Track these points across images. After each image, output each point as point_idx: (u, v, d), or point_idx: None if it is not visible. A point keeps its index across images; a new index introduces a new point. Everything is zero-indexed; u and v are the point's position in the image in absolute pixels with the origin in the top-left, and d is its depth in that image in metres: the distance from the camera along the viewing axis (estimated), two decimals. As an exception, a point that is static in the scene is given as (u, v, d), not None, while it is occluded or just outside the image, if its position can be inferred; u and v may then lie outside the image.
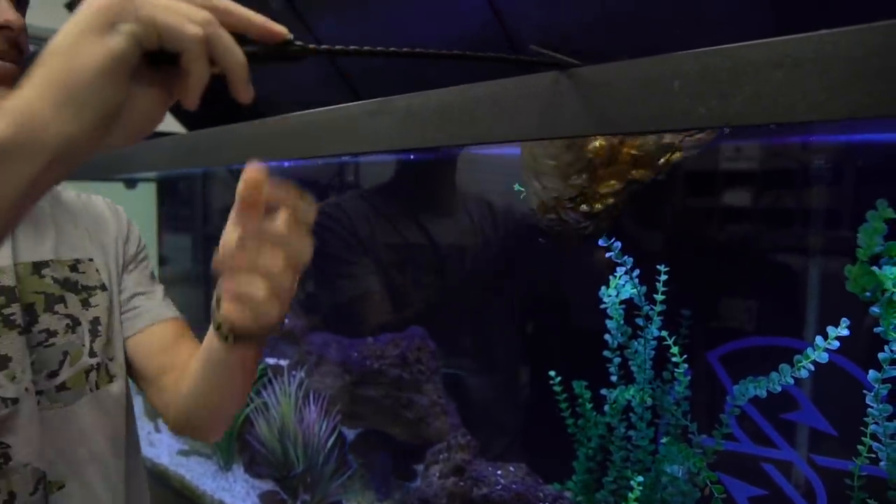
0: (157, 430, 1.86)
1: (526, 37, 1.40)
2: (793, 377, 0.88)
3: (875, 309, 0.76)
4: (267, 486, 1.46)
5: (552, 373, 1.12)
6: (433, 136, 0.90)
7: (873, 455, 0.84)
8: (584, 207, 0.96)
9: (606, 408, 1.08)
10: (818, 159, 1.11)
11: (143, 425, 1.90)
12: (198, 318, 2.41)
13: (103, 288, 0.81)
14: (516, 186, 1.04)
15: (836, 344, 0.82)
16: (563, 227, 1.01)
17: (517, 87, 0.82)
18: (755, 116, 0.62)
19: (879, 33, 0.53)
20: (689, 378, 1.02)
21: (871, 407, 0.82)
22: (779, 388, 0.89)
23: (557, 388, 1.13)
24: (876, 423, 0.82)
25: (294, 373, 1.42)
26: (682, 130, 0.82)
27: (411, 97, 0.93)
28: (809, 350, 0.84)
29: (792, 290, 1.13)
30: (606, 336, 1.05)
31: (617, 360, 1.06)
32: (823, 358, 0.83)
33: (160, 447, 1.74)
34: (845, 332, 0.82)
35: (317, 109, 1.13)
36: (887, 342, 0.78)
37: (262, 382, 1.44)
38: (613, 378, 1.07)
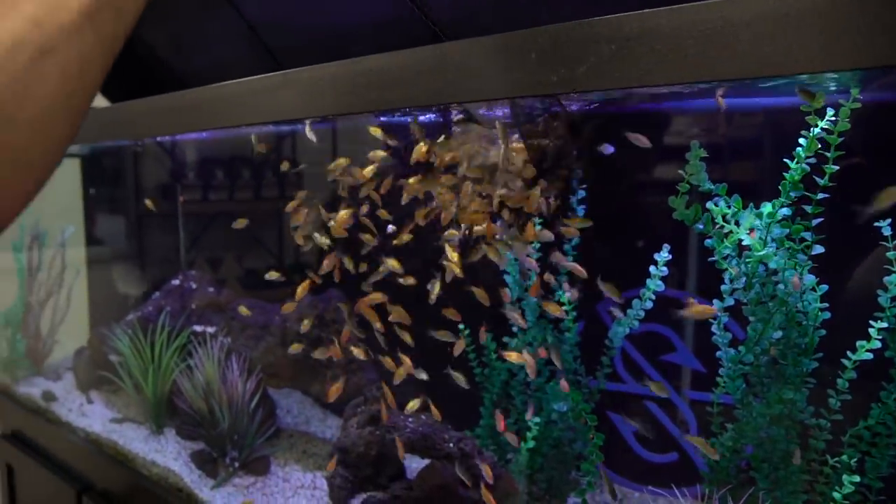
0: (90, 401, 1.88)
1: (438, 13, 1.46)
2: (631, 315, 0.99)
3: (709, 241, 0.87)
4: (198, 446, 1.51)
5: (461, 326, 1.21)
6: (331, 106, 0.97)
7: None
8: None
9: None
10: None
11: (75, 398, 1.93)
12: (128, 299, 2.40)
13: None
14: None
15: (665, 270, 0.93)
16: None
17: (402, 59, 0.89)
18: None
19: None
20: (578, 327, 1.13)
21: (715, 335, 0.93)
22: (636, 324, 1.00)
23: (467, 341, 1.22)
24: (720, 349, 0.93)
25: (220, 339, 1.48)
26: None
27: (311, 70, 1.00)
28: (649, 281, 0.95)
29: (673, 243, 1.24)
30: (507, 289, 1.14)
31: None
32: (660, 286, 0.94)
33: (93, 417, 1.78)
34: (667, 256, 0.93)
35: (229, 82, 1.18)
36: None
37: (188, 349, 1.49)
38: (515, 329, 1.17)
